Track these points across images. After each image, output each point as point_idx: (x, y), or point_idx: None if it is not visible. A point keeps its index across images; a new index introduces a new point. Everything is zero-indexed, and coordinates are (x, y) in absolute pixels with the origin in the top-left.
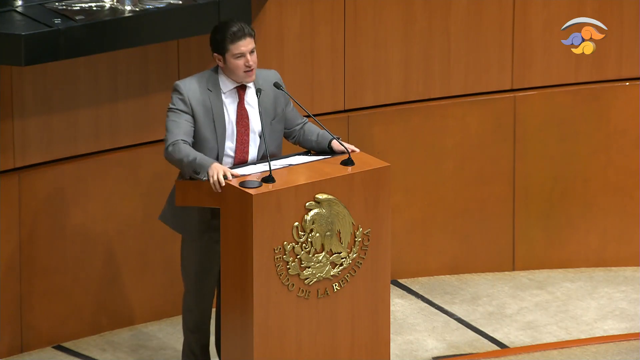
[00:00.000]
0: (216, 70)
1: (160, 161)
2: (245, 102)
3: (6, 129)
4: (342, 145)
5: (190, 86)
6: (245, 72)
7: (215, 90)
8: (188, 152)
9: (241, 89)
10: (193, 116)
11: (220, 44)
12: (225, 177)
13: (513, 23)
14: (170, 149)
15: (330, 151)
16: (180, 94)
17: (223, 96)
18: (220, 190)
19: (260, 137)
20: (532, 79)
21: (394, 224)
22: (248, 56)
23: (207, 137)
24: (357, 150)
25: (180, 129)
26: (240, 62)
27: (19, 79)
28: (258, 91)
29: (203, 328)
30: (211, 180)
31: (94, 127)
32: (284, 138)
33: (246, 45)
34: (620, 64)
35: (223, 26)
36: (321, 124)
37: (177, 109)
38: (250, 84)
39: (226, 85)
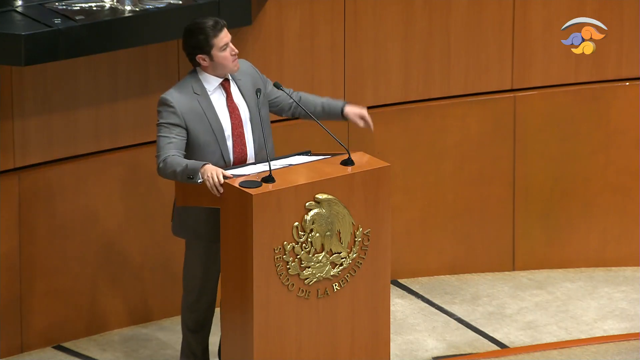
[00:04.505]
0: (194, 73)
1: None
2: (232, 95)
3: (6, 129)
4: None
5: (178, 97)
6: (233, 61)
7: (202, 92)
8: (179, 161)
9: (225, 83)
10: (186, 127)
11: (204, 42)
12: (224, 177)
13: (513, 23)
14: (161, 165)
15: (342, 117)
16: (171, 107)
17: (210, 96)
18: (219, 194)
19: (251, 123)
20: (532, 79)
21: (394, 224)
22: (231, 44)
23: (208, 140)
24: (368, 118)
25: (171, 144)
26: (227, 52)
27: (19, 79)
28: (258, 91)
29: (205, 327)
30: (208, 185)
31: (94, 127)
32: (278, 115)
33: (227, 34)
34: (620, 64)
35: (198, 26)
36: (323, 126)
37: (167, 124)
38: (229, 75)
39: (211, 84)
